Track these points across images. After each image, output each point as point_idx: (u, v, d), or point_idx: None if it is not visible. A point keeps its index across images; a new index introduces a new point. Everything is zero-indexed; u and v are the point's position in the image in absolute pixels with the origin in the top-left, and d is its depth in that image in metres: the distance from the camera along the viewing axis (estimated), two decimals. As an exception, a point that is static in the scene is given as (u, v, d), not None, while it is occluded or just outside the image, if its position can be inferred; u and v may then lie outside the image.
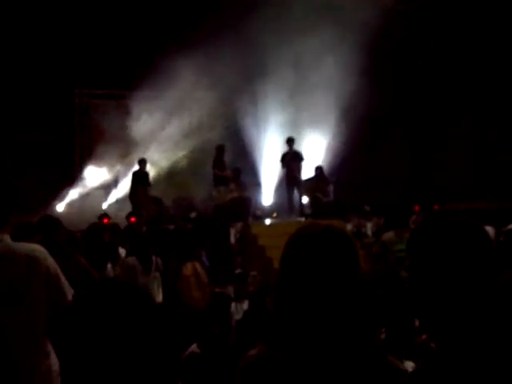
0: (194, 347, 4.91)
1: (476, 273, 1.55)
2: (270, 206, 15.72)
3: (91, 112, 15.93)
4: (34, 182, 13.35)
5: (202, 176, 15.07)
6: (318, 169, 14.53)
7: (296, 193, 14.11)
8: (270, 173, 15.94)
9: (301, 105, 15.44)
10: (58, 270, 3.17)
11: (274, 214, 14.66)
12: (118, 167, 15.38)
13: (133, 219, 12.07)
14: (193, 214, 13.22)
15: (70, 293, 3.15)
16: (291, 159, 14.04)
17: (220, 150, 14.12)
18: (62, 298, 3.11)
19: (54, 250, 3.39)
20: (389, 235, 8.84)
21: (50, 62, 13.92)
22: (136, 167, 14.18)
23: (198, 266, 7.22)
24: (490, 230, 5.26)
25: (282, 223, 13.22)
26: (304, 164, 14.28)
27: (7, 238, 3.12)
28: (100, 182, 15.30)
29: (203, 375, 4.62)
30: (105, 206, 14.80)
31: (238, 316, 7.33)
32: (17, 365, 2.99)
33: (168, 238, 9.83)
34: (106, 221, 11.11)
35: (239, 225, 12.32)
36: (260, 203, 15.74)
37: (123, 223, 11.43)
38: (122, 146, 15.32)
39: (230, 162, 14.37)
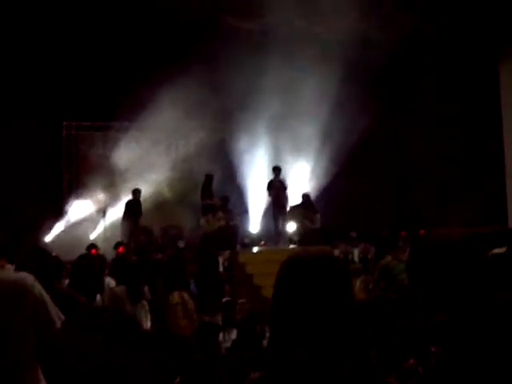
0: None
1: (474, 288, 1.65)
2: (258, 233, 15.77)
3: (78, 143, 15.98)
4: (21, 213, 13.35)
5: (190, 205, 15.14)
6: (305, 196, 14.68)
7: (282, 221, 14.25)
8: (257, 200, 16.03)
9: (286, 133, 15.61)
10: (47, 298, 3.12)
11: (262, 242, 14.72)
12: (106, 198, 15.41)
13: (121, 249, 12.10)
14: (181, 243, 13.27)
15: (58, 320, 3.14)
16: (278, 188, 14.20)
17: (208, 178, 14.28)
18: (50, 326, 3.05)
19: (39, 278, 3.38)
20: (387, 259, 8.85)
21: (38, 95, 13.99)
22: (127, 197, 14.31)
23: (185, 295, 7.26)
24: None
25: (270, 251, 13.30)
26: (288, 192, 14.49)
27: None
28: (87, 213, 15.31)
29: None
30: (92, 236, 14.81)
31: (226, 344, 7.35)
32: None
33: (156, 267, 9.87)
34: (94, 251, 11.12)
35: (227, 253, 12.38)
36: (247, 231, 15.80)
37: (111, 253, 11.45)
38: (110, 177, 15.36)
39: (217, 190, 14.50)
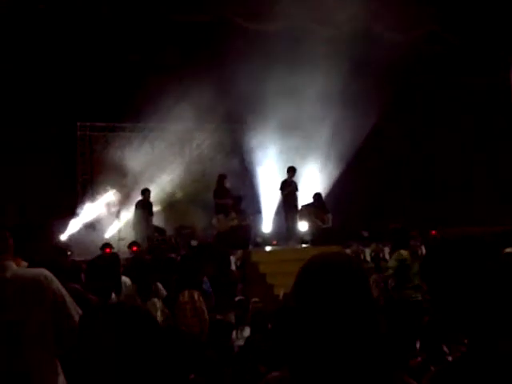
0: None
1: (489, 287, 1.68)
2: (270, 233, 15.83)
3: (92, 144, 16.11)
4: (36, 213, 13.50)
5: (203, 205, 15.22)
6: (317, 195, 14.75)
7: (293, 220, 14.33)
8: (269, 200, 16.09)
9: (298, 132, 15.66)
10: (65, 293, 3.22)
11: (274, 242, 14.79)
12: (120, 198, 15.53)
13: (134, 248, 12.22)
14: (194, 243, 13.36)
15: (76, 314, 3.18)
16: (291, 188, 14.32)
17: (221, 178, 14.37)
18: (69, 320, 3.14)
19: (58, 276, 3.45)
20: (404, 254, 8.54)
21: (52, 96, 14.11)
22: (139, 197, 14.44)
23: (195, 293, 7.31)
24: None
25: (282, 250, 13.37)
26: (298, 193, 14.61)
27: (13, 265, 3.22)
28: (102, 213, 15.44)
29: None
30: (107, 235, 14.94)
31: (239, 343, 7.41)
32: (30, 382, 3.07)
33: (170, 266, 9.95)
34: (108, 250, 11.24)
35: (240, 252, 12.46)
36: (260, 230, 15.86)
37: (126, 253, 11.56)
38: (124, 177, 15.48)
39: (230, 190, 14.59)
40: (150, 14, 14.19)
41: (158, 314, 6.96)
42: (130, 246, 12.62)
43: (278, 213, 15.65)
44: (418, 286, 7.89)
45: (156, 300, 7.12)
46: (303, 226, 14.42)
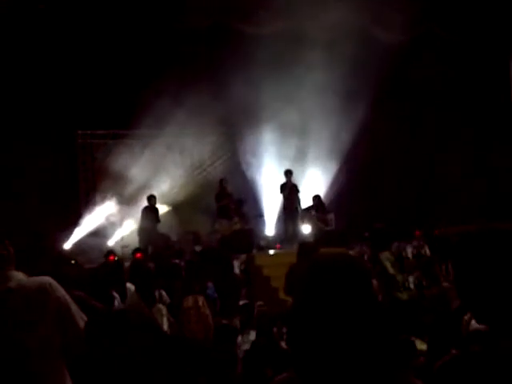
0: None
1: None
2: (273, 236, 15.84)
3: (94, 152, 16.13)
4: (39, 222, 13.51)
5: (206, 210, 15.25)
6: (316, 198, 14.80)
7: (294, 223, 14.36)
8: (272, 204, 16.11)
9: (299, 135, 15.69)
10: (70, 300, 3.21)
11: (278, 245, 14.79)
12: (123, 205, 15.56)
13: (138, 255, 12.22)
14: (198, 248, 13.37)
15: (82, 322, 3.17)
16: (290, 191, 14.36)
17: (222, 182, 14.42)
18: (75, 328, 3.13)
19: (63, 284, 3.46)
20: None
21: (52, 104, 14.15)
22: (142, 204, 14.48)
23: (200, 299, 7.33)
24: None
25: (286, 253, 13.34)
26: (300, 195, 14.63)
27: (17, 274, 3.22)
28: (105, 220, 15.46)
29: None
30: (110, 243, 14.96)
31: (245, 347, 7.42)
32: None
33: (175, 272, 9.97)
34: (112, 258, 11.25)
35: (244, 256, 12.47)
36: (263, 234, 15.88)
37: (129, 260, 11.56)
38: (126, 184, 15.51)
39: (232, 194, 14.63)
40: (150, 21, 14.22)
41: (164, 320, 6.97)
42: (134, 252, 12.62)
43: (280, 216, 15.67)
44: (403, 287, 7.88)
45: (161, 306, 7.12)
46: (306, 228, 14.43)
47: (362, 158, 15.62)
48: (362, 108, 14.61)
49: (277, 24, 14.52)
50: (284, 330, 7.17)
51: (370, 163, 16.18)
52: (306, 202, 15.05)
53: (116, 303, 6.56)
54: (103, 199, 15.51)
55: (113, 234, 15.25)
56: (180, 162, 16.23)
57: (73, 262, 11.55)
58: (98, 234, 15.27)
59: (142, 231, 14.09)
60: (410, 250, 13.21)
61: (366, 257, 12.78)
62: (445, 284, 8.51)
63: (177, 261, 11.67)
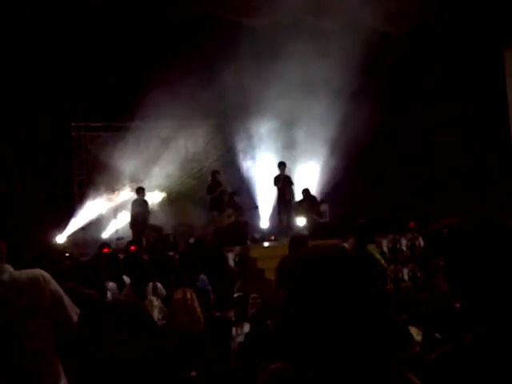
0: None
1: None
2: (268, 228, 15.85)
3: (88, 144, 16.10)
4: (33, 214, 13.48)
5: (200, 202, 15.25)
6: (305, 191, 14.83)
7: (288, 215, 14.39)
8: (266, 196, 16.12)
9: (294, 128, 15.70)
10: (62, 293, 3.25)
11: (272, 237, 14.80)
12: (116, 197, 15.54)
13: (133, 248, 12.20)
14: (191, 240, 13.36)
15: (75, 314, 3.22)
16: (283, 183, 14.37)
17: (214, 174, 14.40)
18: (68, 320, 3.19)
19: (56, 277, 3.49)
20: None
21: (46, 96, 14.09)
22: (135, 196, 14.45)
23: (188, 291, 7.30)
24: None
25: (280, 245, 13.34)
26: (295, 187, 14.64)
27: (9, 267, 3.24)
28: (99, 213, 15.44)
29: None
30: (104, 235, 14.94)
31: (239, 339, 7.43)
32: (33, 378, 3.09)
33: (168, 265, 9.95)
34: (106, 250, 11.22)
35: (238, 248, 12.47)
36: (258, 226, 15.88)
37: (124, 252, 11.54)
38: (120, 176, 15.49)
39: (227, 186, 14.61)
40: (143, 13, 14.17)
41: (156, 312, 6.96)
42: (128, 245, 12.61)
43: (274, 208, 15.69)
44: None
45: (154, 298, 7.11)
46: (300, 220, 14.44)
47: (356, 150, 15.60)
48: (355, 99, 14.59)
49: (269, 15, 14.47)
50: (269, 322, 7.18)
51: (365, 154, 16.17)
52: (299, 193, 15.06)
53: (109, 295, 6.55)
54: (97, 191, 15.49)
55: (107, 226, 15.24)
56: (174, 155, 16.21)
57: (67, 254, 11.56)
58: (92, 226, 15.26)
59: (134, 224, 14.07)
60: (404, 242, 13.24)
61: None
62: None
63: (171, 253, 11.65)
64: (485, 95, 15.66)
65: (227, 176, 14.94)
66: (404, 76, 16.17)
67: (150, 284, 7.09)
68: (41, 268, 3.36)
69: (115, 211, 15.21)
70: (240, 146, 16.26)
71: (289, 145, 15.91)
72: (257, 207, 16.11)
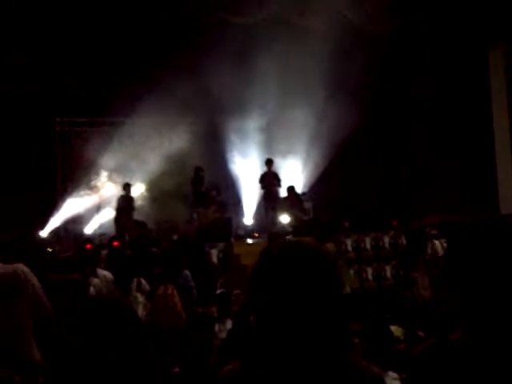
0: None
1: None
2: (252, 225, 15.87)
3: (72, 139, 16.02)
4: (16, 209, 13.41)
5: (184, 198, 15.21)
6: (289, 189, 14.85)
7: (274, 213, 14.42)
8: (250, 192, 16.14)
9: (279, 125, 15.71)
10: (39, 285, 3.62)
11: (256, 234, 14.82)
12: (100, 193, 15.49)
13: (115, 243, 12.19)
14: (175, 236, 13.36)
15: (49, 305, 3.63)
16: (271, 180, 14.38)
17: (197, 171, 14.40)
18: (46, 309, 3.58)
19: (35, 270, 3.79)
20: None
21: (31, 92, 14.02)
22: (120, 192, 14.44)
23: (170, 287, 7.32)
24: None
25: (264, 242, 13.36)
26: (281, 185, 14.67)
27: None
28: (82, 208, 15.38)
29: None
30: (87, 231, 14.89)
31: (222, 335, 7.44)
32: (13, 353, 3.50)
33: (151, 261, 9.95)
34: (88, 246, 11.20)
35: (222, 245, 12.48)
36: (242, 223, 15.90)
37: (106, 248, 11.52)
38: (104, 172, 15.44)
39: (210, 182, 14.61)
40: (131, 9, 14.11)
41: (140, 308, 6.97)
42: (111, 240, 12.58)
43: (259, 205, 15.70)
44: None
45: (138, 295, 7.13)
46: (284, 218, 14.47)
47: (339, 148, 15.65)
48: (344, 97, 14.61)
49: (261, 12, 14.48)
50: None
51: (352, 153, 16.25)
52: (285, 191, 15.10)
53: (92, 290, 6.54)
54: (81, 187, 15.43)
55: (90, 222, 15.18)
56: (159, 151, 16.16)
57: (49, 249, 11.52)
58: (75, 221, 15.20)
59: (118, 220, 14.05)
60: (387, 240, 13.32)
61: (343, 246, 12.88)
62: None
63: (154, 249, 11.64)
64: (469, 95, 15.74)
65: (212, 172, 14.92)
66: (387, 75, 16.24)
67: (135, 280, 7.11)
68: (24, 262, 3.63)
69: (98, 207, 15.15)
70: (224, 142, 16.25)
71: (275, 141, 15.92)
72: (240, 203, 16.12)
